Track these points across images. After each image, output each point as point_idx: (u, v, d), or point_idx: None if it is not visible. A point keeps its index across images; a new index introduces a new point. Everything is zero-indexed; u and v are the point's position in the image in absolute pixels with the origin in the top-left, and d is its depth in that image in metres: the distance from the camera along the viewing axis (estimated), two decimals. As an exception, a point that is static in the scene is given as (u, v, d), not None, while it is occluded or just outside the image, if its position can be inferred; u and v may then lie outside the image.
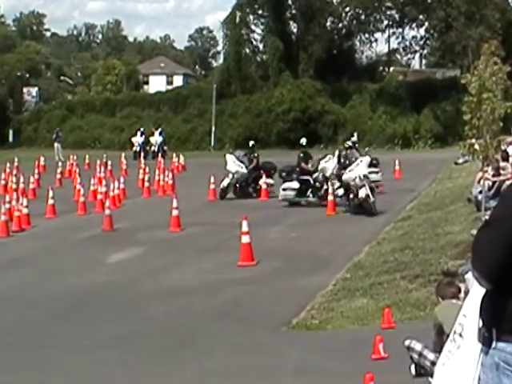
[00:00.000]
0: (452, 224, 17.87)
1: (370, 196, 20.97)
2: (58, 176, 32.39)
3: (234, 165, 25.92)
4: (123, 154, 38.83)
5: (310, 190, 23.71)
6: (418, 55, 64.34)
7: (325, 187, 22.94)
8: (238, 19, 56.90)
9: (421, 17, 57.76)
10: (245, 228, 15.67)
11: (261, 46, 60.16)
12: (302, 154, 24.52)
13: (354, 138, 25.06)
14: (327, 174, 23.22)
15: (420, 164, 35.74)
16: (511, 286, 3.34)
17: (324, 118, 52.34)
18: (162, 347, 10.63)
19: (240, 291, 13.76)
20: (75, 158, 39.24)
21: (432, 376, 5.47)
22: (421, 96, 51.30)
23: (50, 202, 23.43)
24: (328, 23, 59.14)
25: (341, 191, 22.30)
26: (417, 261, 14.45)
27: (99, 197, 24.49)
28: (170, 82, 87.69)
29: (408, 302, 11.79)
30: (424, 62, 72.75)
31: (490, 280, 3.38)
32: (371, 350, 9.16)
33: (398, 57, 67.14)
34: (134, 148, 45.65)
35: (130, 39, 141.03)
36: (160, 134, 46.60)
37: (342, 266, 15.13)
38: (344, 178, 21.72)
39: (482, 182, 17.27)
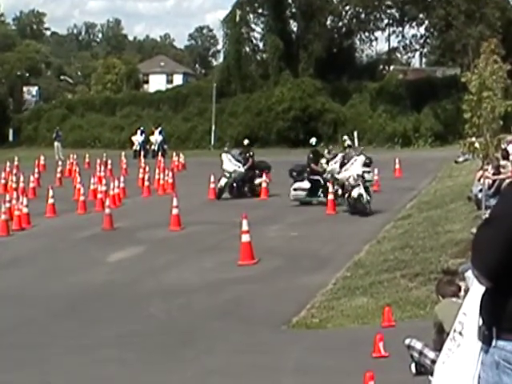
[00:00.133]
0: (452, 222, 17.87)
1: (364, 196, 20.84)
2: (58, 175, 32.39)
3: (231, 164, 25.63)
4: (123, 153, 38.78)
5: (320, 190, 23.41)
6: (418, 54, 64.48)
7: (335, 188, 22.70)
8: (238, 18, 56.88)
9: (421, 15, 57.75)
10: (245, 227, 15.67)
11: (261, 45, 60.19)
12: (311, 155, 24.13)
13: (348, 142, 25.00)
14: (336, 176, 23.04)
15: (420, 162, 35.70)
16: (511, 285, 3.33)
17: (324, 116, 52.31)
18: (162, 346, 10.63)
19: (240, 290, 13.76)
20: (75, 157, 39.24)
21: (432, 374, 5.46)
22: (421, 94, 51.26)
23: (50, 201, 23.43)
24: (328, 22, 59.13)
25: (340, 190, 22.27)
26: (417, 259, 14.45)
27: (99, 196, 24.49)
28: (169, 81, 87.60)
29: (408, 300, 11.79)
30: (424, 60, 72.84)
31: (490, 278, 3.37)
32: (371, 348, 9.16)
33: (398, 55, 67.02)
34: (134, 147, 45.67)
35: (130, 38, 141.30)
36: (160, 132, 46.59)
37: (342, 264, 15.12)
38: (339, 177, 21.69)
39: (482, 180, 17.26)
